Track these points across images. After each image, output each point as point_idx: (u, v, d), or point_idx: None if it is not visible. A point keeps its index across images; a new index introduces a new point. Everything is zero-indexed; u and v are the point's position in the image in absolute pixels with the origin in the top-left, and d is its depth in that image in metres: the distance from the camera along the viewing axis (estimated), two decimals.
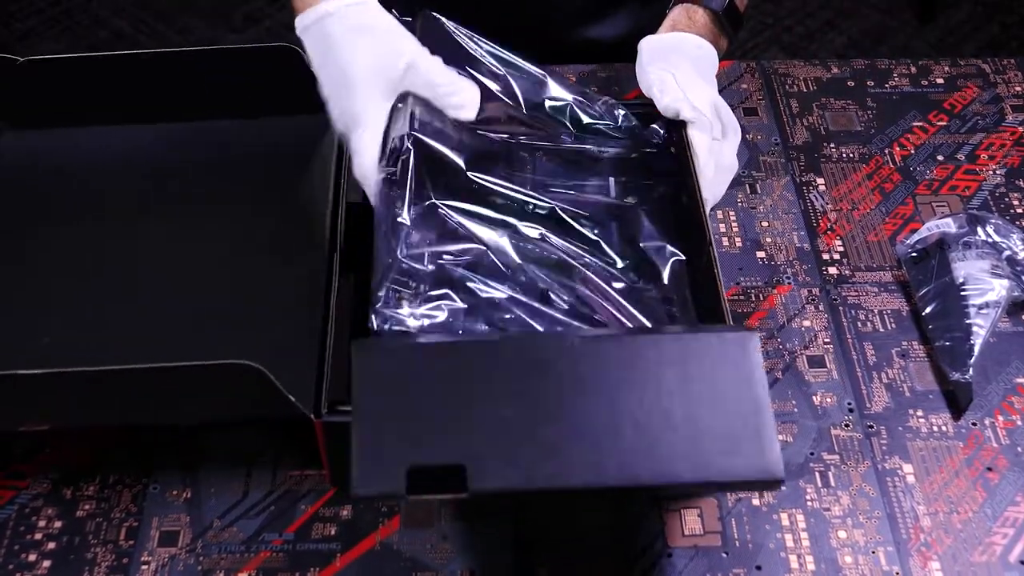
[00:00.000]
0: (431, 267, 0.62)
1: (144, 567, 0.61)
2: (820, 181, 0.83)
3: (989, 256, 0.73)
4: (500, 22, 0.93)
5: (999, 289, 0.71)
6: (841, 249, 0.78)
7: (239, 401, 0.60)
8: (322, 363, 0.60)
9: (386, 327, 0.59)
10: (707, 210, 0.67)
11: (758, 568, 0.61)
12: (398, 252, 0.61)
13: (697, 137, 0.70)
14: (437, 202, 0.64)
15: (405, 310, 0.59)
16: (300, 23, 0.67)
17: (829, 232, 0.79)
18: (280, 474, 0.65)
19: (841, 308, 0.74)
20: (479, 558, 0.61)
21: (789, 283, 0.76)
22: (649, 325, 0.62)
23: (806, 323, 0.73)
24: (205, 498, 0.64)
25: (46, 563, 0.61)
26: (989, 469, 0.65)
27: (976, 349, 0.69)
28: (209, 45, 0.80)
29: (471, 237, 0.64)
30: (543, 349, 0.56)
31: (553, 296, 0.62)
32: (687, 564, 0.61)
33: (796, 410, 0.68)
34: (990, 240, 0.74)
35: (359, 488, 0.51)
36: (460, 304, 0.60)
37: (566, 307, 0.62)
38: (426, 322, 0.59)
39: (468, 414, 0.53)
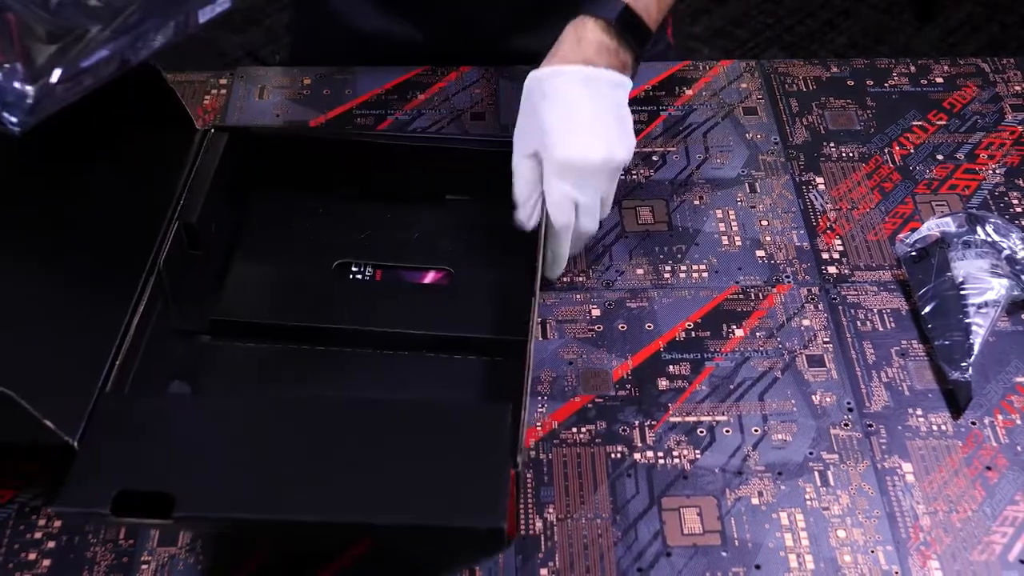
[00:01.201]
0: None
1: (144, 566, 0.61)
2: (820, 180, 0.83)
3: (988, 255, 0.73)
4: (428, 30, 0.93)
5: (998, 288, 0.71)
6: (841, 248, 0.78)
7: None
8: (103, 387, 0.60)
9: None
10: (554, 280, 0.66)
11: (757, 567, 0.61)
12: None
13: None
14: None
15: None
16: None
17: (829, 231, 0.79)
18: None
19: (840, 307, 0.74)
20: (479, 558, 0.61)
21: (789, 282, 0.76)
22: None
23: (805, 322, 0.73)
24: None
25: (46, 562, 0.61)
26: (988, 468, 0.65)
27: (975, 348, 0.69)
28: (208, 45, 0.80)
29: None
30: (290, 408, 0.58)
31: None
32: (686, 563, 0.61)
33: (795, 409, 0.68)
34: (989, 239, 0.74)
35: (59, 504, 0.53)
36: None
37: None
38: None
39: (193, 454, 0.55)
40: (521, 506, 0.64)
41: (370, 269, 0.74)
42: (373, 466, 0.54)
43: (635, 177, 0.83)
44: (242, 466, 0.54)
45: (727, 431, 0.67)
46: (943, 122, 0.87)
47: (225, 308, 0.71)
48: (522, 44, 0.93)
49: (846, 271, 0.76)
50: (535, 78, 0.70)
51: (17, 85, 0.53)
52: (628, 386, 0.70)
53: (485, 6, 0.91)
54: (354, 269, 0.74)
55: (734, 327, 0.73)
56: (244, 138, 0.75)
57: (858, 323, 0.73)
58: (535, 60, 0.90)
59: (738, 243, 0.78)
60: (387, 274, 0.74)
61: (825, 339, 0.72)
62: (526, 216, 0.69)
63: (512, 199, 0.69)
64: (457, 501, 0.53)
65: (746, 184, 0.82)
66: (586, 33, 0.71)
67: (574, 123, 0.68)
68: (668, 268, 0.76)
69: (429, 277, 0.74)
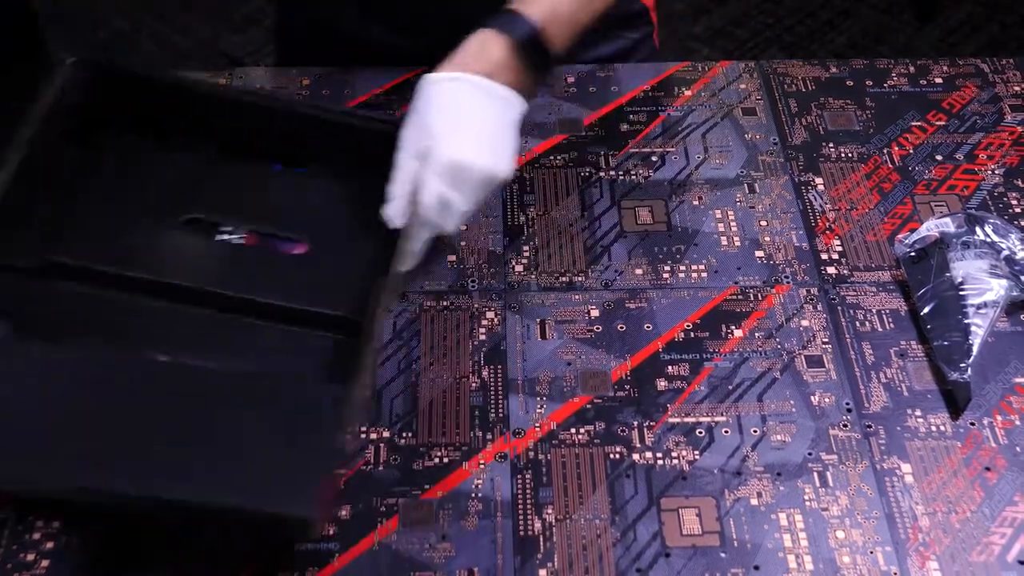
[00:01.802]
0: None
1: None
2: (819, 181, 0.83)
3: (987, 256, 0.73)
4: (425, 39, 0.92)
5: (997, 289, 0.71)
6: (840, 249, 0.78)
7: None
8: None
9: None
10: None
11: (756, 568, 0.61)
12: None
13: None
14: None
15: None
16: None
17: (828, 232, 0.79)
18: None
19: (839, 308, 0.74)
20: (478, 558, 0.61)
21: (788, 283, 0.76)
22: None
23: (804, 323, 0.73)
24: None
25: (44, 563, 0.61)
26: (987, 469, 0.65)
27: (974, 349, 0.69)
28: (209, 45, 0.79)
29: None
30: (118, 369, 0.57)
31: None
32: (685, 564, 0.61)
33: (794, 410, 0.68)
34: (988, 240, 0.74)
35: None
36: None
37: None
38: None
39: (12, 419, 0.54)
40: (520, 507, 0.64)
41: (240, 232, 0.72)
42: (190, 441, 0.54)
43: (634, 177, 0.83)
44: (52, 432, 0.54)
45: (726, 432, 0.67)
46: (942, 122, 0.87)
47: (61, 249, 0.67)
48: None
49: (845, 271, 0.76)
50: (430, 80, 0.68)
51: None
52: (627, 387, 0.69)
53: (479, 8, 0.91)
54: (223, 228, 0.72)
55: (733, 328, 0.73)
56: (107, 74, 0.71)
57: (857, 324, 0.73)
58: None
59: (737, 243, 0.78)
60: (254, 238, 0.72)
61: (824, 340, 0.72)
62: (397, 212, 0.66)
63: (385, 191, 0.67)
64: (269, 486, 0.52)
65: (745, 184, 0.82)
66: (491, 47, 0.68)
67: (464, 128, 0.66)
68: (667, 268, 0.76)
69: (290, 246, 0.72)
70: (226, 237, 0.71)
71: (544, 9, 0.69)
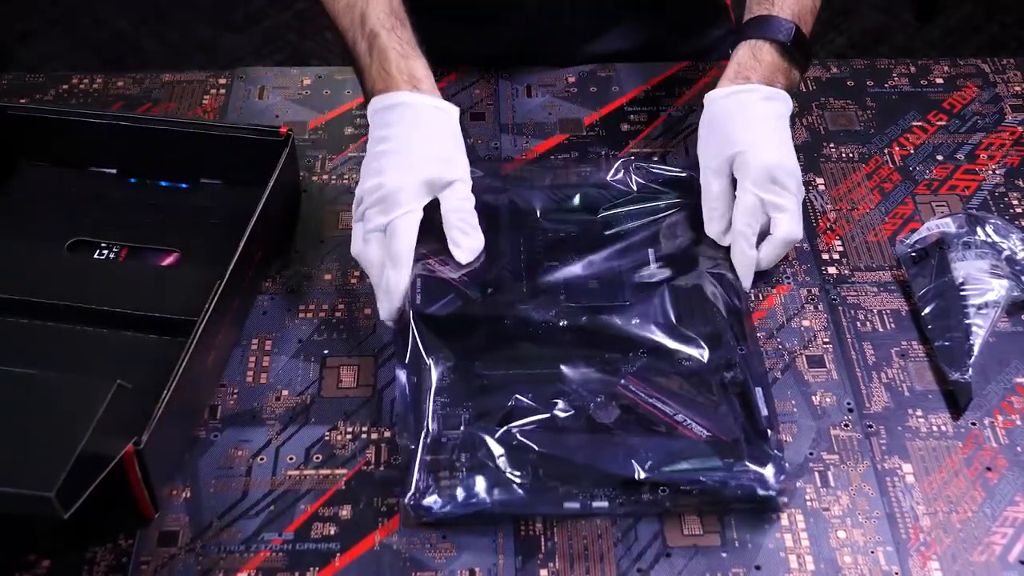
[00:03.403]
0: (462, 429, 0.63)
1: (144, 567, 0.61)
2: (820, 181, 0.83)
3: (988, 256, 0.73)
4: (504, 38, 0.93)
5: (998, 289, 0.71)
6: (841, 249, 0.78)
7: None
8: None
9: (424, 518, 0.61)
10: (747, 290, 0.68)
11: (757, 568, 0.61)
12: (431, 426, 0.63)
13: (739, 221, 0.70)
14: (460, 362, 0.66)
15: (436, 497, 0.61)
16: (379, 103, 0.71)
17: (829, 232, 0.79)
18: (280, 473, 0.65)
19: (840, 308, 0.74)
20: (479, 558, 0.61)
21: (789, 283, 0.76)
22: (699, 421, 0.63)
23: (805, 323, 0.73)
24: (204, 498, 0.64)
25: (45, 562, 0.61)
26: (988, 469, 0.65)
27: (975, 349, 0.69)
28: (210, 46, 0.80)
29: (504, 384, 0.65)
30: None
31: (595, 417, 0.63)
32: (686, 564, 0.61)
33: (795, 410, 0.68)
34: (989, 240, 0.74)
35: None
36: (494, 465, 0.61)
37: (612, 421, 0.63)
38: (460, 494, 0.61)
39: None
40: None
41: (116, 249, 0.76)
42: None
43: None
44: None
45: None
46: (943, 122, 0.87)
47: None
48: (587, 51, 0.93)
49: (846, 272, 0.76)
50: (719, 95, 0.74)
51: None
52: None
53: (560, 13, 0.91)
54: (103, 246, 0.76)
55: None
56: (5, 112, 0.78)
57: (858, 324, 0.73)
58: (606, 60, 0.92)
59: None
60: (130, 254, 0.77)
61: (825, 340, 0.72)
62: (720, 230, 0.71)
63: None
64: (19, 469, 0.54)
65: None
66: (763, 54, 0.75)
67: (776, 127, 0.72)
68: None
69: (161, 257, 0.76)
70: (102, 253, 0.76)
71: (792, 5, 0.76)
